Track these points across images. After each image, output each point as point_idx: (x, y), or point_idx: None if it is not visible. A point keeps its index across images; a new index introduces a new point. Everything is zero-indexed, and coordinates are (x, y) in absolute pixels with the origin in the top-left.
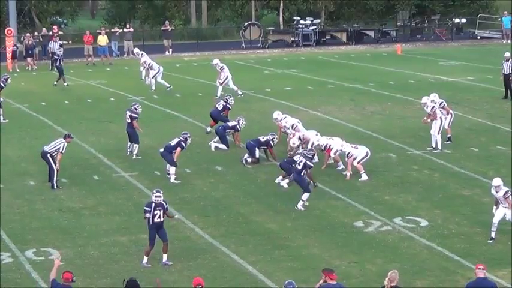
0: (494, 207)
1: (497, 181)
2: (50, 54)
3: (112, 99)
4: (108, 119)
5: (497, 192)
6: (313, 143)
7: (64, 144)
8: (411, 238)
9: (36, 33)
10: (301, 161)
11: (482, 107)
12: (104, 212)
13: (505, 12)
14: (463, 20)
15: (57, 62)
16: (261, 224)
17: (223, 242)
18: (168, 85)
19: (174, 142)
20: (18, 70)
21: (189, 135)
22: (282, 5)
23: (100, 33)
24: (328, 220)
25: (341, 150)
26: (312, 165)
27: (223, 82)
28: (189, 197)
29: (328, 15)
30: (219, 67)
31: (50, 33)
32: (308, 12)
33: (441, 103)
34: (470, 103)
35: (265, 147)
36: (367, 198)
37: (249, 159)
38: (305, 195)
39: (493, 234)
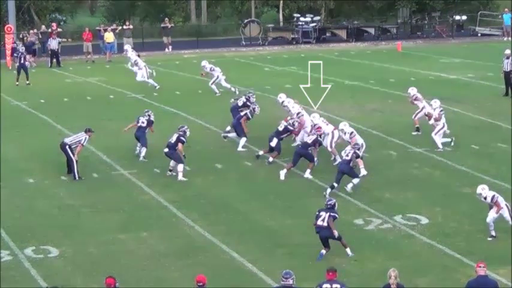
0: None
1: (478, 190)
2: (50, 52)
3: (111, 96)
4: (108, 117)
5: (485, 199)
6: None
7: (86, 138)
8: (412, 236)
9: (35, 31)
10: (349, 152)
11: (483, 105)
12: (103, 209)
13: (506, 10)
14: (464, 17)
15: (22, 59)
16: (261, 221)
17: (223, 240)
18: (156, 84)
19: (173, 139)
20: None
21: (186, 127)
22: (282, 2)
23: (106, 30)
24: None
25: (342, 130)
26: (360, 154)
27: (213, 81)
28: (189, 195)
29: (328, 12)
30: (208, 68)
31: (49, 30)
32: (308, 10)
33: (414, 96)
34: (470, 100)
35: (287, 134)
36: (368, 196)
37: (266, 155)
38: (356, 180)
39: (492, 233)
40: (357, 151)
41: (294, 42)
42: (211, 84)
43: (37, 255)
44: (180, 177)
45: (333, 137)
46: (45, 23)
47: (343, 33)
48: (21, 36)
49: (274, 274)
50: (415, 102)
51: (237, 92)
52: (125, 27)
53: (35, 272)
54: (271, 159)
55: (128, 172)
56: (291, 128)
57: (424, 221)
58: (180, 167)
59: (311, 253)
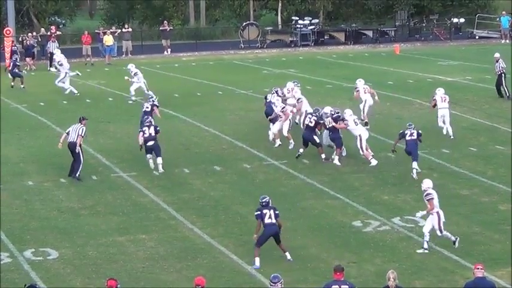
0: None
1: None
2: (49, 55)
3: (110, 99)
4: (107, 119)
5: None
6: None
7: (83, 128)
8: (410, 238)
9: (34, 33)
10: (413, 132)
11: (480, 107)
12: (103, 212)
13: (504, 12)
14: (462, 20)
15: (13, 66)
16: None
17: (222, 242)
18: (76, 91)
19: (151, 130)
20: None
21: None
22: (280, 5)
23: (105, 33)
24: (327, 220)
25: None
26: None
27: (137, 87)
28: (187, 197)
29: (327, 15)
30: (133, 72)
31: (49, 33)
32: (306, 12)
33: (358, 88)
34: (468, 103)
35: (317, 126)
36: (366, 198)
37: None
38: (415, 164)
39: (425, 245)
40: (419, 131)
41: (293, 45)
42: (132, 89)
43: (36, 257)
44: (161, 169)
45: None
46: (44, 26)
47: (341, 36)
48: (20, 39)
49: None
50: (356, 94)
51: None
52: (124, 30)
53: (34, 274)
54: (323, 155)
55: (127, 174)
56: (321, 121)
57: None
58: (160, 159)
59: (310, 255)
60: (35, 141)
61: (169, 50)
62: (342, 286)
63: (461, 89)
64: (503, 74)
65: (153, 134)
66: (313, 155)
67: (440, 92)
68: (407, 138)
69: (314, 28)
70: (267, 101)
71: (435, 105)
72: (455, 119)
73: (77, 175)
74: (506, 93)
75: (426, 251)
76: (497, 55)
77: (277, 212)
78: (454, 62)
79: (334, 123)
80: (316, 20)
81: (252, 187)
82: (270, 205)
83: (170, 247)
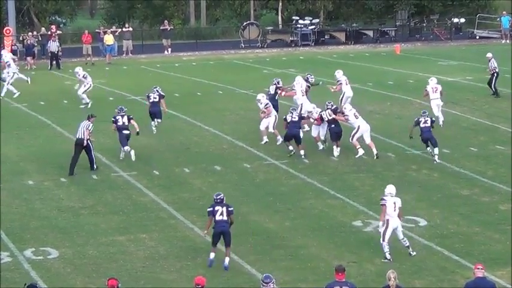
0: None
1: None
2: (49, 54)
3: (111, 98)
4: (107, 119)
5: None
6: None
7: (90, 124)
8: (410, 238)
9: (35, 33)
10: (427, 120)
11: (480, 107)
12: (103, 211)
13: (504, 12)
14: (462, 20)
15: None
16: (260, 223)
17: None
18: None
19: (125, 119)
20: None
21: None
22: (280, 4)
23: (106, 33)
24: (327, 220)
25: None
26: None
27: (87, 89)
28: (187, 197)
29: (327, 15)
30: (81, 75)
31: (49, 32)
32: (307, 12)
33: (341, 81)
34: (468, 103)
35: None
36: (366, 197)
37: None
38: (436, 149)
39: (387, 255)
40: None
41: (293, 45)
42: (82, 93)
43: (37, 256)
44: (133, 156)
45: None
46: (45, 25)
47: (341, 36)
48: (21, 38)
49: (273, 276)
50: (334, 87)
51: (89, 106)
52: (124, 29)
53: (34, 273)
54: (302, 151)
55: (127, 174)
56: (304, 115)
57: (423, 222)
58: (129, 148)
59: (310, 255)
60: (35, 141)
61: (169, 49)
62: (344, 287)
63: (461, 89)
64: (495, 74)
65: (126, 123)
66: (313, 155)
67: (432, 82)
68: (422, 125)
69: (314, 28)
70: (268, 92)
71: (427, 95)
72: (456, 119)
73: (95, 167)
74: (495, 92)
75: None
76: (489, 55)
77: (230, 209)
78: (454, 62)
79: (334, 116)
80: (317, 20)
81: (252, 187)
82: (224, 202)
83: (170, 246)
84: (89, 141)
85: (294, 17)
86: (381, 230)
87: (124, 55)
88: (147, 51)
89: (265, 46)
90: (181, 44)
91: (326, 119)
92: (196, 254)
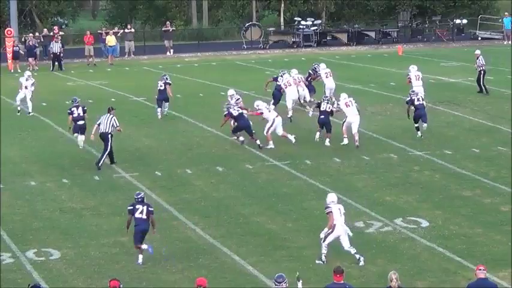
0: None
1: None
2: (52, 55)
3: (113, 99)
4: None
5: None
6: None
7: (114, 119)
8: (412, 239)
9: (37, 34)
10: (419, 97)
11: (482, 108)
12: (105, 212)
13: (506, 13)
14: (464, 21)
15: None
16: (262, 224)
17: (224, 243)
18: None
19: (80, 111)
20: (19, 70)
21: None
22: (282, 5)
23: (108, 34)
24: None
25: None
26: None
27: (31, 97)
28: (189, 198)
29: (329, 16)
30: (31, 83)
31: (51, 33)
32: (309, 13)
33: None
34: (470, 104)
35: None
36: (368, 198)
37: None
38: (425, 125)
39: (322, 257)
40: None
41: (295, 46)
42: (29, 99)
43: (39, 257)
44: (82, 144)
45: (272, 125)
46: (47, 26)
47: (343, 37)
48: (23, 39)
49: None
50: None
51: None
52: (126, 30)
53: (36, 274)
54: (258, 141)
55: (129, 175)
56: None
57: (425, 224)
58: (83, 137)
59: (312, 256)
60: (37, 142)
61: (171, 50)
62: None
63: (463, 90)
64: (482, 71)
65: (81, 114)
66: (315, 156)
67: (414, 70)
68: (416, 103)
69: (316, 29)
70: (277, 83)
71: (410, 81)
72: (458, 120)
73: (100, 164)
74: (482, 90)
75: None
76: (477, 52)
77: (150, 209)
78: (456, 63)
79: (332, 108)
80: (319, 21)
81: (254, 188)
82: (145, 202)
83: (172, 248)
84: (111, 134)
85: (296, 18)
86: (322, 233)
87: (126, 56)
88: (149, 52)
89: (267, 47)
90: (184, 45)
91: (323, 109)
92: (198, 255)
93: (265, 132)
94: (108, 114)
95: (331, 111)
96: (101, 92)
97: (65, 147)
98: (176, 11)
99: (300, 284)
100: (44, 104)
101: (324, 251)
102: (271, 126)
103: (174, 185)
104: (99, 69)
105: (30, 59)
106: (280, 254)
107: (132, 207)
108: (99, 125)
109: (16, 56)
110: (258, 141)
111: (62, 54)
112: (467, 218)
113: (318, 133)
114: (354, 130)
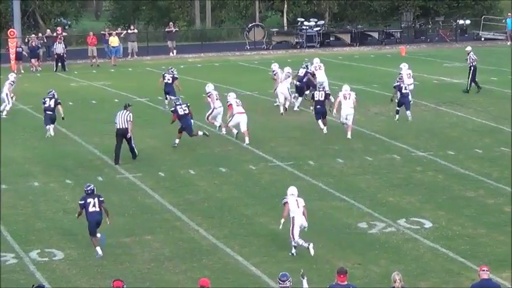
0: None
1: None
2: (55, 56)
3: (116, 100)
4: (113, 120)
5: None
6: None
7: (130, 114)
8: (415, 239)
9: (40, 35)
10: (407, 86)
11: (486, 109)
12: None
13: (509, 14)
14: (467, 22)
15: None
16: (265, 225)
17: (227, 243)
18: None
19: (52, 102)
20: (22, 71)
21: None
22: (286, 6)
23: (111, 34)
24: (332, 221)
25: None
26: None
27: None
28: (193, 198)
29: (332, 17)
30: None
31: (54, 34)
32: (312, 14)
33: (276, 71)
34: (474, 104)
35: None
36: (371, 199)
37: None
38: (409, 112)
39: (293, 250)
40: None
41: (298, 47)
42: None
43: (42, 258)
44: (52, 132)
45: (212, 112)
46: (50, 27)
47: (347, 38)
48: (26, 40)
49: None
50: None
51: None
52: (129, 31)
53: (39, 275)
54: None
55: (133, 176)
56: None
57: (428, 224)
58: (52, 126)
59: (315, 256)
60: (40, 142)
61: (174, 51)
62: None
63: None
64: (472, 67)
65: (52, 106)
66: (318, 157)
67: (405, 68)
68: (403, 91)
69: (320, 29)
70: (299, 75)
71: (401, 79)
72: (461, 121)
73: (136, 154)
74: (467, 87)
75: (294, 254)
76: (468, 48)
77: (101, 199)
78: (459, 63)
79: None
80: (322, 22)
81: (257, 188)
82: (95, 193)
83: (175, 248)
84: (129, 133)
85: (299, 19)
86: (281, 224)
87: (129, 57)
88: (152, 53)
89: (271, 48)
90: (187, 46)
91: (317, 99)
92: (202, 256)
93: (219, 123)
94: (124, 110)
95: (326, 95)
96: (104, 93)
97: (68, 148)
98: (179, 12)
99: (305, 282)
100: None
101: (300, 242)
102: (231, 120)
103: (177, 185)
104: (102, 70)
105: (33, 60)
106: (283, 255)
107: (83, 202)
108: (116, 123)
109: (19, 56)
110: (200, 132)
111: (65, 55)
112: (470, 218)
113: (320, 123)
114: (349, 123)
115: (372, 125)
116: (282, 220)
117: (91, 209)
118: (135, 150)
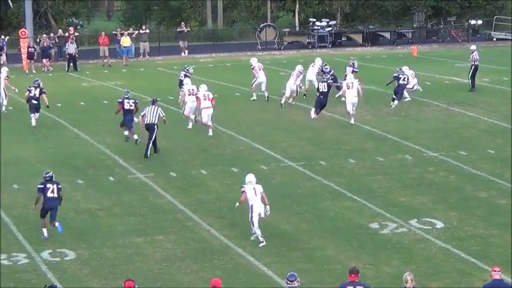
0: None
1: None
2: (67, 56)
3: None
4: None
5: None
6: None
7: (160, 109)
8: (427, 240)
9: (52, 35)
10: (405, 77)
11: (497, 109)
12: (120, 213)
13: None
14: (479, 22)
15: None
16: (276, 225)
17: (239, 244)
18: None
19: (37, 91)
20: (34, 71)
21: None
22: (297, 6)
23: (123, 34)
24: (344, 221)
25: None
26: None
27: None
28: (204, 199)
29: (344, 17)
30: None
31: (66, 34)
32: (324, 14)
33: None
34: (485, 105)
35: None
36: (383, 199)
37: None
38: (397, 102)
39: (260, 238)
40: None
41: (310, 47)
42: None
43: (54, 258)
44: (34, 122)
45: (184, 103)
46: (62, 27)
47: (358, 38)
48: (38, 40)
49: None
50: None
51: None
52: (141, 31)
53: (51, 275)
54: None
55: (144, 176)
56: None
57: (439, 225)
58: (37, 115)
59: (326, 257)
60: (51, 142)
61: (186, 51)
62: (357, 287)
63: (478, 91)
64: (473, 66)
65: (37, 95)
66: (330, 157)
67: (407, 70)
68: (401, 82)
69: (331, 30)
70: (325, 74)
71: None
72: (473, 121)
73: (147, 154)
74: (474, 84)
75: (262, 243)
76: (473, 47)
77: (59, 186)
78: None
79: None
80: (334, 22)
81: (268, 189)
82: (54, 180)
83: (187, 248)
84: (156, 125)
85: (310, 19)
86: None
87: (141, 57)
88: (164, 53)
89: (282, 48)
90: (198, 46)
91: (321, 90)
92: (213, 256)
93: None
94: (153, 105)
95: (329, 86)
96: (116, 93)
97: (80, 148)
98: (191, 12)
99: None
100: (59, 104)
101: (258, 232)
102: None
103: (189, 185)
104: (114, 70)
105: (44, 60)
106: (294, 255)
107: (43, 186)
108: (143, 116)
109: (31, 56)
110: (135, 136)
111: (77, 55)
112: (482, 219)
113: (313, 112)
114: (351, 111)
115: (384, 125)
116: (237, 204)
117: (49, 194)
118: (157, 145)
